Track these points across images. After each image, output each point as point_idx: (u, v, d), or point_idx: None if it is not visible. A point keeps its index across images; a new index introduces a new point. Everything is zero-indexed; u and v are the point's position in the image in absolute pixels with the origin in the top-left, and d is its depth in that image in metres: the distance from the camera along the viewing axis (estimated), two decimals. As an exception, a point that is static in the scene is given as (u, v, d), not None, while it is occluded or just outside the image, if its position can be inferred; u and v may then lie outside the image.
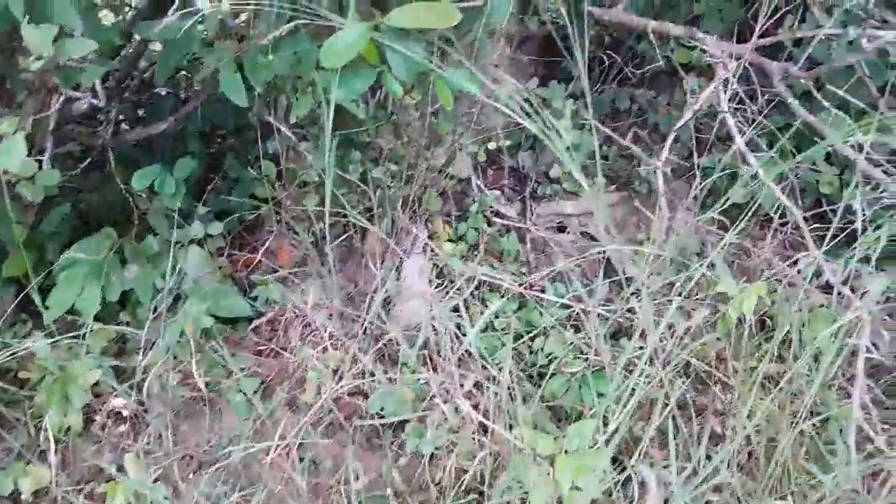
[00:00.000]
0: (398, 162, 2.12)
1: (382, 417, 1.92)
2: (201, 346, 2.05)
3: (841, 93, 2.00)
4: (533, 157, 2.48)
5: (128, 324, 2.16)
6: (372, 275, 2.20)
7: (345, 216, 2.20)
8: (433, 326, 2.09)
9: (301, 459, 1.88)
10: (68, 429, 1.90)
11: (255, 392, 2.12)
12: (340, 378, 2.04)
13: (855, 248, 1.93)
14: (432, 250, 2.21)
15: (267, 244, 2.35)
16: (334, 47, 1.31)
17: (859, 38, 1.97)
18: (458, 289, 2.18)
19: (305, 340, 2.19)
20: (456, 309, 2.12)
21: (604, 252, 2.36)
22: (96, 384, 1.92)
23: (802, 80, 2.08)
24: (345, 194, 2.12)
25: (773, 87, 2.18)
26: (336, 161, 2.09)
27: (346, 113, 1.93)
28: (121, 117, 2.55)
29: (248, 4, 1.54)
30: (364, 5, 1.66)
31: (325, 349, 2.11)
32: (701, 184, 2.32)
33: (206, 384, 2.10)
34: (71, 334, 1.93)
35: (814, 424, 1.76)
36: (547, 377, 2.00)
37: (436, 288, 2.16)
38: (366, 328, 2.15)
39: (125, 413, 2.06)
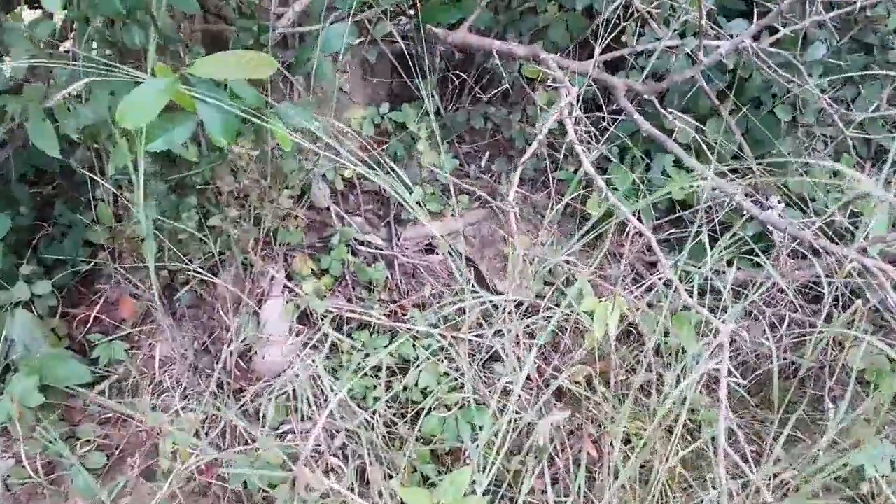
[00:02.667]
0: (242, 203, 1.95)
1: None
2: (37, 423, 1.81)
3: (676, 112, 2.03)
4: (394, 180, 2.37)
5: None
6: (227, 322, 2.02)
7: (191, 261, 2.00)
8: (297, 374, 1.94)
9: (159, 541, 1.69)
10: None
11: (104, 466, 1.91)
12: (199, 440, 1.86)
13: (709, 256, 1.94)
14: (291, 291, 2.05)
15: (106, 296, 2.11)
16: (132, 104, 1.15)
17: (696, 50, 2.00)
18: (321, 330, 2.04)
19: (157, 402, 1.97)
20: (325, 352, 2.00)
21: (472, 269, 2.29)
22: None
23: (647, 96, 2.08)
24: (184, 240, 1.93)
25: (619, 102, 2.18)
26: (170, 207, 1.90)
27: (176, 155, 1.75)
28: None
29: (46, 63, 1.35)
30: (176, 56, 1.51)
31: (178, 412, 1.91)
32: (559, 198, 2.31)
33: (49, 463, 1.87)
34: None
35: (688, 440, 1.76)
36: (423, 415, 1.90)
37: (298, 333, 2.01)
38: (222, 383, 1.97)
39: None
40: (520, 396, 1.75)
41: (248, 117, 1.37)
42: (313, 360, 1.87)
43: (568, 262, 2.36)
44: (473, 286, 2.22)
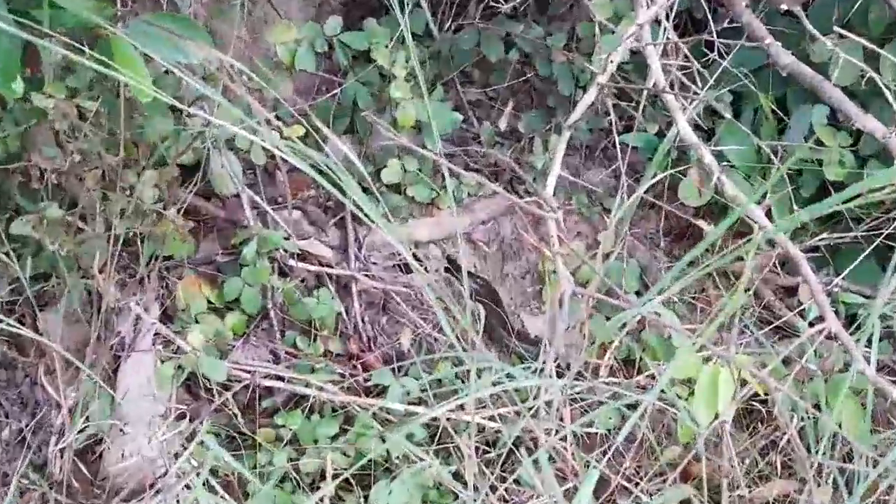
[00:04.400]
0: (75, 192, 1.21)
1: None
2: None
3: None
4: (356, 147, 1.62)
5: None
6: (58, 397, 1.31)
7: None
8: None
9: None
10: None
11: None
12: None
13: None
14: (169, 342, 1.30)
15: None
16: None
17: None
18: (220, 409, 1.30)
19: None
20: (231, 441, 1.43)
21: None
22: None
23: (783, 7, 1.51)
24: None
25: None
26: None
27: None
28: None
29: None
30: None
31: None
32: (630, 178, 1.56)
33: None
34: None
35: None
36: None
37: (181, 414, 1.39)
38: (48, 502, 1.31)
39: None
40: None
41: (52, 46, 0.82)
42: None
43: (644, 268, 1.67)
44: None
